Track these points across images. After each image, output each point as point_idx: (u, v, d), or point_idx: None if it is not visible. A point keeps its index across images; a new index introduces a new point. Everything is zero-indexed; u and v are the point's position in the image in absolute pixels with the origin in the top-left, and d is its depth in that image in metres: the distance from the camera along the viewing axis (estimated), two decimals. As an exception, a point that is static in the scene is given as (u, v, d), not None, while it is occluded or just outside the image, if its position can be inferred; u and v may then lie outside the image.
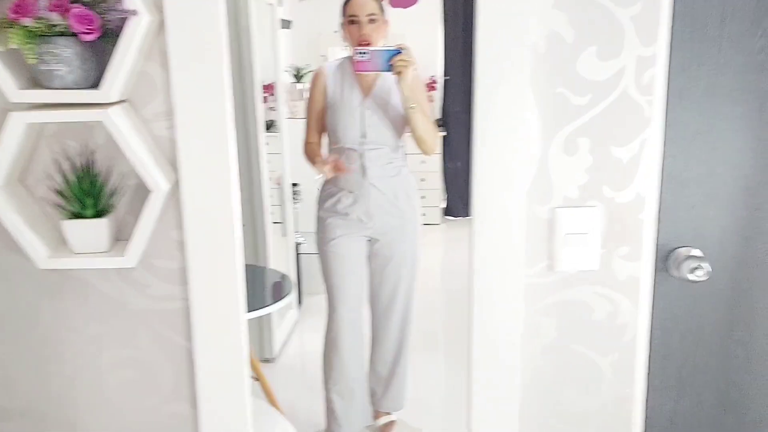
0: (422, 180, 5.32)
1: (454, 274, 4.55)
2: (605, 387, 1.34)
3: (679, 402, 1.38)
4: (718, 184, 1.29)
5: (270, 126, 3.89)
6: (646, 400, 1.37)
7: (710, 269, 1.26)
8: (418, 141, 2.35)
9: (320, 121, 2.43)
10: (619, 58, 1.20)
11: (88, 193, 1.17)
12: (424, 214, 2.56)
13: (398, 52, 2.13)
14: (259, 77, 3.10)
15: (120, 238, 1.26)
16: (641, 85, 1.21)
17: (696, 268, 1.26)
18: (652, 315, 1.33)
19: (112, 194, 1.21)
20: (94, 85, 1.13)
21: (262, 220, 3.18)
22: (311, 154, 2.46)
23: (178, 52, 1.12)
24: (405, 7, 3.98)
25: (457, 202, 5.76)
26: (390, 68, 2.14)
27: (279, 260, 3.47)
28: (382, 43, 2.32)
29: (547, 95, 1.22)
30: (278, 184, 3.67)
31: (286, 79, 4.51)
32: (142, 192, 1.23)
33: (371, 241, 2.45)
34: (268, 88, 3.71)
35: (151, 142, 1.19)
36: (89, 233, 1.18)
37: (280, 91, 3.68)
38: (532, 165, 1.25)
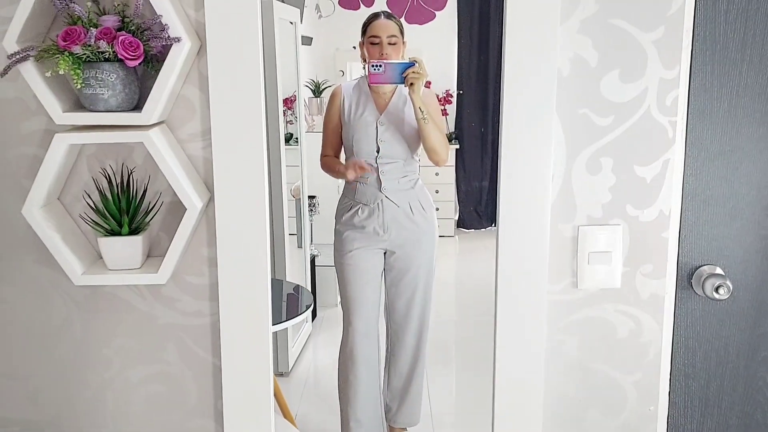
0: (436, 192, 5.35)
1: (467, 286, 4.55)
2: (628, 406, 1.35)
3: (704, 423, 1.39)
4: (740, 203, 1.30)
5: (289, 139, 3.93)
6: (669, 420, 1.37)
7: (731, 287, 1.27)
8: (430, 152, 2.39)
9: (335, 138, 2.49)
10: (641, 80, 1.22)
11: (124, 211, 1.20)
12: (438, 226, 2.58)
13: (411, 64, 2.20)
14: (280, 92, 3.16)
15: (152, 254, 1.29)
16: (664, 107, 1.23)
17: (719, 287, 1.27)
18: (676, 334, 1.34)
19: (147, 212, 1.24)
20: (135, 107, 1.17)
21: (281, 232, 3.22)
22: (330, 164, 2.51)
23: (217, 75, 1.16)
24: (421, 23, 4.03)
25: (471, 214, 5.77)
26: (403, 80, 2.21)
27: (294, 272, 3.49)
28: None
29: (571, 116, 1.24)
30: (295, 196, 3.70)
31: (305, 93, 4.57)
32: (174, 209, 1.27)
33: (387, 253, 2.48)
34: (287, 102, 3.76)
35: (187, 162, 1.23)
36: (124, 250, 1.21)
37: (300, 105, 3.73)
38: (557, 183, 1.27)
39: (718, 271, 1.31)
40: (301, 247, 3.73)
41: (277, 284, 2.95)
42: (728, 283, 1.27)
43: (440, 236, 2.74)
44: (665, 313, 1.32)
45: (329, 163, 2.51)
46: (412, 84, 2.20)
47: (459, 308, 4.26)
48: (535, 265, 1.27)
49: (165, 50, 1.11)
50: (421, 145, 2.41)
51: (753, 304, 1.34)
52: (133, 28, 1.12)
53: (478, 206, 5.78)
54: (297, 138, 3.77)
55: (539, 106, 1.21)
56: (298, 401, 3.06)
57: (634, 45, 1.21)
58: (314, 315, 3.87)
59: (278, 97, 3.11)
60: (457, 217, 5.76)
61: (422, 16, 4.02)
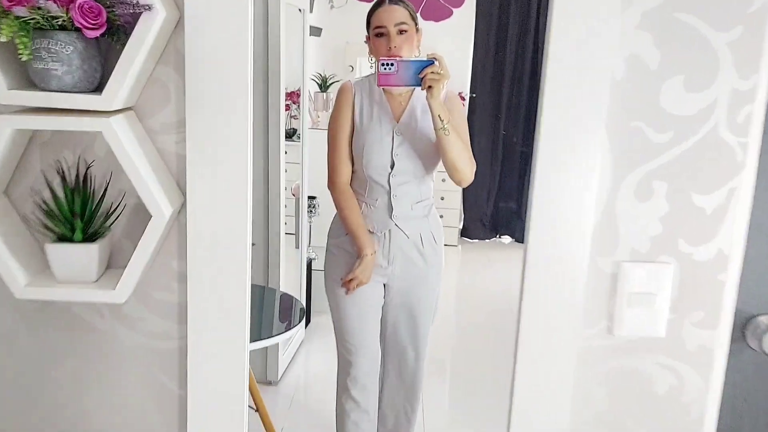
0: (441, 199, 5.15)
1: (468, 298, 4.42)
2: (665, 474, 1.15)
3: (753, 499, 1.19)
4: (814, 245, 1.10)
5: (291, 134, 3.74)
6: (713, 493, 1.18)
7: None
8: (450, 169, 2.01)
9: (348, 147, 2.09)
10: (710, 90, 1.03)
11: (77, 213, 1.00)
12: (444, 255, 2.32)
13: (430, 63, 1.83)
14: (284, 84, 2.98)
15: (114, 264, 1.10)
16: (734, 124, 1.04)
17: (779, 341, 1.08)
18: (722, 393, 1.15)
19: (106, 216, 1.04)
20: (96, 88, 0.98)
21: (278, 230, 3.04)
22: (350, 206, 2.07)
23: (196, 54, 0.96)
24: (437, 20, 3.83)
25: (476, 224, 5.60)
26: (419, 82, 1.85)
27: (289, 275, 3.33)
28: (414, 55, 2.02)
29: (622, 129, 1.04)
30: (295, 194, 3.51)
31: (311, 87, 4.38)
32: (141, 212, 1.07)
33: (386, 286, 2.18)
34: (292, 96, 3.57)
35: (157, 158, 1.03)
36: (76, 260, 1.01)
37: (305, 100, 3.54)
38: (598, 209, 1.07)
39: (781, 323, 1.11)
40: (298, 248, 3.54)
41: (268, 293, 2.76)
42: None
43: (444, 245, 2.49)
44: (715, 369, 1.12)
45: (348, 204, 2.07)
46: (430, 87, 1.84)
47: (459, 321, 4.10)
48: (566, 304, 1.08)
49: (134, 21, 0.91)
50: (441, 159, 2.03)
51: (819, 363, 1.14)
52: (95, -10, 0.92)
53: (483, 216, 5.60)
54: (300, 134, 3.59)
55: (584, 116, 1.01)
56: (286, 412, 2.88)
57: (705, 46, 1.01)
58: (308, 321, 3.69)
59: (281, 89, 2.92)
60: (461, 226, 5.57)
61: (439, 12, 3.81)
